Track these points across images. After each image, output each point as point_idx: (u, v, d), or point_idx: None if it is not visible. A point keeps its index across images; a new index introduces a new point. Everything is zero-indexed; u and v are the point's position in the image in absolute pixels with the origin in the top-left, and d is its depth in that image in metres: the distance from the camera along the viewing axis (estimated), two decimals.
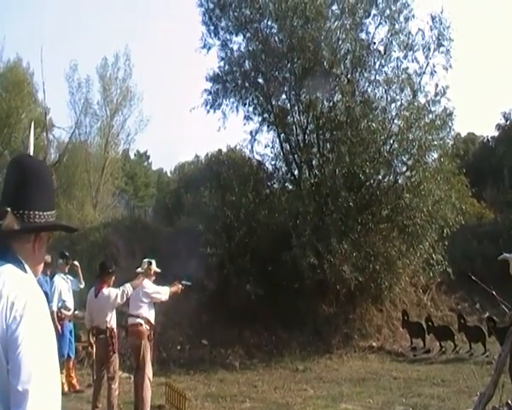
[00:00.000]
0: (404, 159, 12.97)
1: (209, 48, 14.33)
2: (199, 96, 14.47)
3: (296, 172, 14.39)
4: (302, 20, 13.01)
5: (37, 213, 1.60)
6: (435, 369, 10.30)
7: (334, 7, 13.60)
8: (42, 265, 1.72)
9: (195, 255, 11.85)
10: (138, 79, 50.87)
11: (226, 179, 13.81)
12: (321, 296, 12.63)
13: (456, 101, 24.15)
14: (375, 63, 13.42)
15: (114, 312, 6.88)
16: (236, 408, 7.95)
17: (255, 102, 14.46)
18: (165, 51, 64.27)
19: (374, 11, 13.41)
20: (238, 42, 14.38)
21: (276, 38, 13.81)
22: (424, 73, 13.13)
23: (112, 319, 6.79)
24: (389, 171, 13.06)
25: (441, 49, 12.92)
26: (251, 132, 14.52)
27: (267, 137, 14.95)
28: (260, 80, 14.10)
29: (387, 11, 13.27)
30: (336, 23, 13.29)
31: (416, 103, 12.93)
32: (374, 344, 12.41)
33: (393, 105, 13.20)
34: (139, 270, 7.09)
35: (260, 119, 14.61)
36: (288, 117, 14.27)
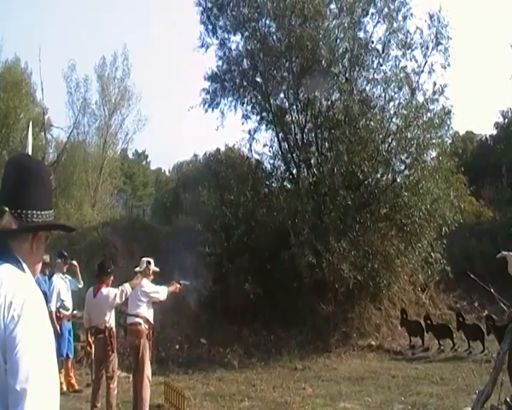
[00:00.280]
0: (403, 157, 12.97)
1: (207, 47, 14.37)
2: (197, 96, 14.51)
3: (294, 171, 14.39)
4: (300, 18, 13.02)
5: (35, 212, 1.60)
6: (434, 367, 10.30)
7: (333, 6, 13.63)
8: (40, 264, 1.72)
9: (194, 254, 11.85)
10: (136, 79, 50.93)
11: (224, 178, 13.81)
12: (319, 295, 12.63)
13: (455, 99, 24.19)
14: (373, 62, 13.44)
15: (113, 311, 6.87)
16: (235, 407, 7.94)
17: (253, 100, 14.46)
18: (164, 51, 64.32)
19: (372, 10, 13.44)
20: (236, 41, 14.43)
21: (275, 37, 13.81)
22: (422, 71, 13.18)
23: (110, 319, 6.79)
24: (387, 169, 13.06)
25: (439, 47, 12.97)
26: (249, 131, 14.57)
27: (265, 135, 15.02)
28: (258, 79, 14.10)
29: (385, 10, 13.29)
30: (334, 22, 13.30)
31: (414, 102, 12.94)
32: (372, 343, 12.42)
33: (392, 104, 13.24)
34: (138, 269, 7.08)
35: (258, 118, 14.63)
36: (287, 116, 14.26)
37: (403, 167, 13.11)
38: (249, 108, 14.54)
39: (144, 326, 6.90)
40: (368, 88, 13.56)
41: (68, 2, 51.94)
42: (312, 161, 14.11)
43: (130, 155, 37.88)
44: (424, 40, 12.99)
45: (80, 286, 9.18)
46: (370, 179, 13.02)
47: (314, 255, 11.65)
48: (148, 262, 7.12)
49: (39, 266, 1.72)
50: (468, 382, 7.92)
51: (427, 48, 12.97)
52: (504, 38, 52.87)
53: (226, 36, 14.35)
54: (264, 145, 14.59)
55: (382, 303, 13.53)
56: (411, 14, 13.26)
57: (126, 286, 6.64)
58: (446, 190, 12.60)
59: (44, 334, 1.47)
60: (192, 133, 49.22)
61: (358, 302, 13.06)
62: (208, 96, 14.32)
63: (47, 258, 8.14)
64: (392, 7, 13.26)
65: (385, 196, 12.74)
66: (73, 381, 9.03)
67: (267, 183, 14.66)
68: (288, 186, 14.54)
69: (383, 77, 13.26)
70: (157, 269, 7.26)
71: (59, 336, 8.21)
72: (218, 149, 21.46)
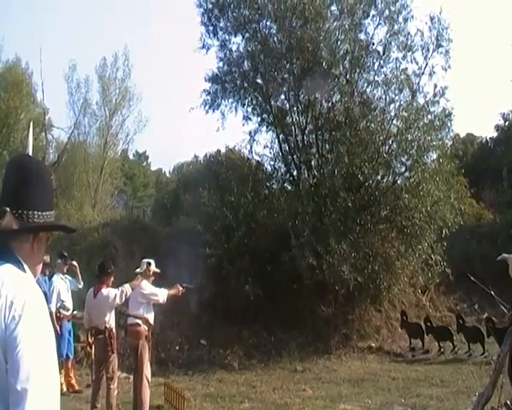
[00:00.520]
0: (403, 159, 12.97)
1: (208, 48, 14.37)
2: (198, 97, 14.52)
3: (295, 173, 14.39)
4: (301, 20, 13.02)
5: (36, 213, 1.60)
6: (434, 369, 10.30)
7: (333, 7, 13.63)
8: (41, 265, 1.72)
9: (194, 256, 11.84)
10: (137, 80, 50.96)
11: (225, 180, 13.81)
12: (320, 297, 12.62)
13: (455, 101, 24.22)
14: (373, 64, 13.46)
15: (113, 312, 6.88)
16: (235, 409, 7.94)
17: (254, 102, 14.46)
18: (165, 52, 64.31)
19: (373, 12, 13.46)
20: (237, 42, 14.42)
21: (275, 39, 13.82)
22: (423, 73, 13.20)
23: (111, 320, 6.79)
24: (388, 171, 13.06)
25: (440, 49, 12.98)
26: (250, 133, 14.55)
27: (266, 137, 14.98)
28: (259, 81, 14.10)
29: (386, 12, 13.30)
30: (335, 24, 13.31)
31: (414, 104, 12.94)
32: (372, 345, 12.41)
33: (392, 106, 13.25)
34: (138, 270, 7.08)
35: (259, 119, 14.62)
36: (287, 117, 14.26)
37: (403, 169, 13.12)
38: (250, 109, 14.56)
39: (144, 327, 6.90)
40: (368, 90, 13.60)
41: (68, 2, 52.00)
42: (313, 163, 14.11)
43: (131, 156, 37.92)
44: (425, 42, 13.02)
45: (80, 287, 9.18)
46: (371, 181, 13.02)
47: (314, 257, 11.65)
48: (149, 263, 7.11)
49: (40, 267, 1.72)
50: (468, 384, 7.89)
51: (428, 50, 13.00)
52: (505, 40, 52.88)
53: (227, 37, 14.38)
54: (264, 147, 14.61)
55: (382, 305, 13.52)
56: (412, 16, 13.31)
57: (126, 287, 6.64)
58: (447, 192, 12.60)
59: (45, 334, 1.47)
60: (192, 134, 49.25)
61: (359, 304, 13.05)
62: (209, 98, 14.34)
63: (47, 258, 8.15)
64: (392, 9, 13.28)
65: (385, 198, 12.74)
66: (73, 381, 9.03)
67: (267, 184, 14.65)
68: (289, 188, 14.54)
69: (384, 79, 13.27)
70: (157, 270, 7.25)
71: (59, 337, 8.19)
72: (218, 151, 21.42)
